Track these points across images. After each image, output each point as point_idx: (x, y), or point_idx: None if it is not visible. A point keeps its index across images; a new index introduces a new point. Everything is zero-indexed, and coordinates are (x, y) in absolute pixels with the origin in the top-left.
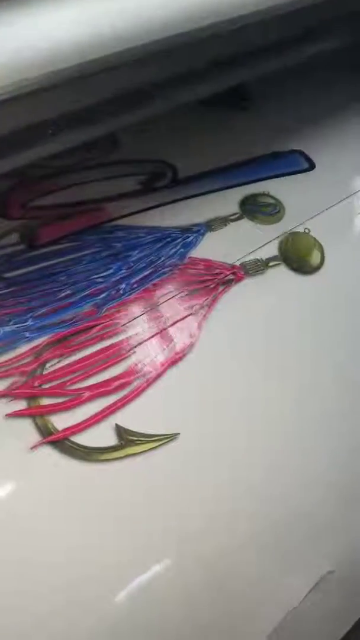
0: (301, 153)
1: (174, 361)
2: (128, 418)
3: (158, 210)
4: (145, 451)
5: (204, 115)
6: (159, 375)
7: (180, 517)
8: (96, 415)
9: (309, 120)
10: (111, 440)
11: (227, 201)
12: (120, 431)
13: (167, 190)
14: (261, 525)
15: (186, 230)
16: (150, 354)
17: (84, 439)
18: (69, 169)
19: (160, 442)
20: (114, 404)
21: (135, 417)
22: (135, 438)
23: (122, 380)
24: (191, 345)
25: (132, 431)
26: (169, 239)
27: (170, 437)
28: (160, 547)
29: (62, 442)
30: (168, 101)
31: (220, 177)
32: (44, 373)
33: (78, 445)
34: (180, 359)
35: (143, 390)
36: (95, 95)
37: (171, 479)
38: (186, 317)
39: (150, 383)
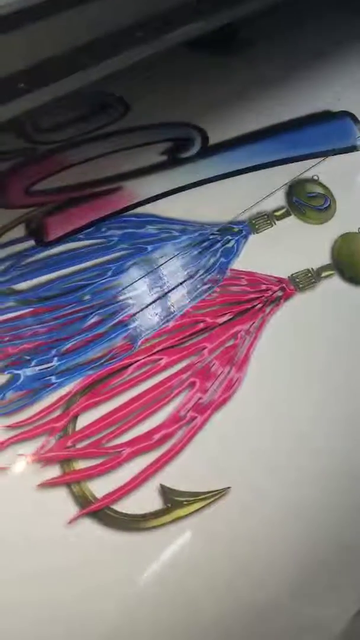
0: (353, 117)
1: (221, 402)
2: (173, 475)
3: (191, 194)
4: (194, 512)
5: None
6: (204, 422)
7: (242, 576)
8: (138, 476)
9: None
10: (156, 503)
11: (272, 188)
12: (165, 492)
13: (196, 163)
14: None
15: (226, 230)
16: (195, 396)
17: (125, 505)
18: (76, 142)
19: (211, 500)
20: (157, 460)
21: (180, 473)
22: (182, 499)
23: (165, 431)
24: (239, 381)
25: (179, 491)
26: (207, 243)
27: (221, 493)
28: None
29: (102, 512)
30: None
31: (260, 146)
32: (76, 429)
33: (120, 513)
34: (228, 398)
35: (188, 441)
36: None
37: (224, 540)
38: (232, 348)
39: (195, 432)
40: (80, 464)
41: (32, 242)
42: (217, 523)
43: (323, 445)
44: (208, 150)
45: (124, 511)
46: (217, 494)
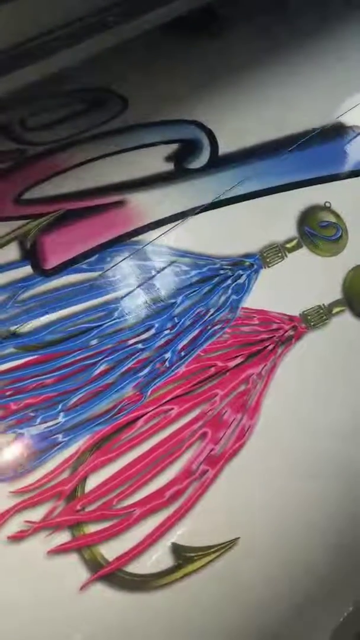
0: None
1: (232, 453)
2: (183, 531)
3: (200, 220)
4: (204, 565)
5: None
6: (216, 475)
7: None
8: (149, 536)
9: None
10: (167, 561)
11: (284, 216)
12: (176, 550)
13: (205, 178)
14: None
15: (237, 264)
16: (207, 448)
17: (136, 565)
18: (70, 143)
19: (220, 552)
20: (169, 519)
21: (191, 528)
22: (193, 554)
23: (176, 488)
24: (250, 429)
25: (190, 547)
26: (218, 279)
27: (231, 544)
28: None
29: (114, 575)
30: None
31: (271, 163)
32: (85, 492)
33: (132, 574)
34: (240, 448)
35: (200, 496)
36: None
37: (234, 589)
38: (244, 393)
39: (207, 486)
40: (91, 528)
41: (29, 268)
42: (226, 573)
43: (331, 496)
44: (217, 163)
45: (135, 572)
46: (227, 546)
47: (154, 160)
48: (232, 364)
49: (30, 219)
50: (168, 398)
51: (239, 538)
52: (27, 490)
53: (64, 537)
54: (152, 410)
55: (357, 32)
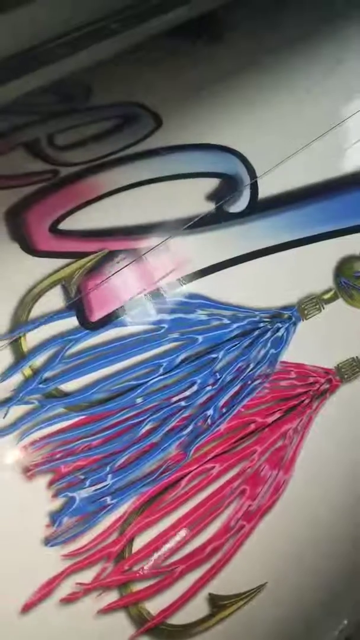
0: None
1: (267, 508)
2: (218, 582)
3: (241, 270)
4: (234, 611)
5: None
6: (252, 529)
7: None
8: (189, 590)
9: None
10: (203, 610)
11: (320, 266)
12: (212, 599)
13: (246, 224)
14: None
15: (276, 317)
16: (244, 505)
17: (177, 616)
18: (102, 165)
19: (249, 598)
20: (207, 573)
21: (226, 579)
22: (226, 602)
23: (215, 544)
24: (285, 484)
25: (223, 596)
26: (257, 332)
27: (259, 589)
28: None
29: (157, 628)
30: None
31: (310, 210)
32: (132, 552)
33: (172, 625)
34: (275, 502)
35: (236, 550)
36: None
37: (262, 631)
38: (280, 449)
39: (243, 540)
40: (138, 586)
41: (74, 320)
42: (254, 619)
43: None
44: (257, 208)
45: (175, 623)
46: (255, 591)
47: (194, 198)
48: (270, 419)
49: (72, 258)
50: (210, 457)
51: (266, 583)
52: (78, 554)
53: (112, 596)
54: (195, 469)
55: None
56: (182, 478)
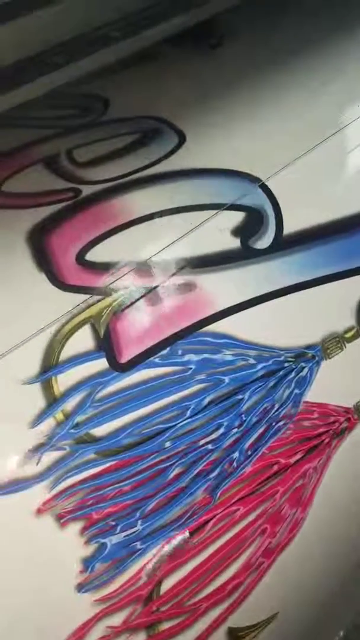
0: None
1: (285, 544)
2: (237, 616)
3: (266, 309)
4: None
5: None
6: (270, 565)
7: None
8: (211, 626)
9: None
10: None
11: (342, 304)
12: (231, 632)
13: (271, 261)
14: None
15: (300, 356)
16: (265, 542)
17: None
18: (125, 185)
19: (263, 628)
20: (228, 609)
21: (242, 612)
22: (242, 633)
23: (237, 581)
24: (302, 520)
25: (240, 628)
26: (282, 372)
27: (271, 619)
28: None
29: None
30: None
31: (333, 247)
32: (160, 593)
33: None
34: (292, 539)
35: (255, 585)
36: None
37: None
38: (300, 487)
39: (262, 576)
40: (164, 625)
41: (104, 361)
42: None
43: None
44: (282, 244)
45: None
46: (268, 621)
47: (220, 232)
48: (292, 460)
49: (100, 294)
50: (234, 499)
51: (277, 613)
52: (109, 598)
53: (140, 637)
54: (220, 512)
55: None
56: (208, 521)
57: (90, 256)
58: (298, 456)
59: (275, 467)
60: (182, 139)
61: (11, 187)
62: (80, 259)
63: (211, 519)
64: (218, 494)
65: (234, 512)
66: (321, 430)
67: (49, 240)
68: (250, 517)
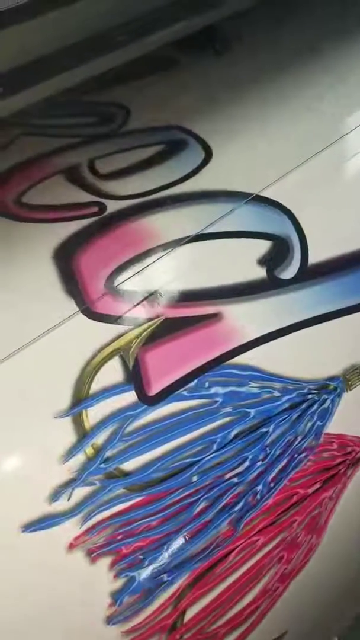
0: None
1: (299, 569)
2: (250, 637)
3: (292, 341)
4: None
5: None
6: (284, 589)
7: None
8: None
9: None
10: None
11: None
12: None
13: (296, 292)
14: None
15: (323, 388)
16: (281, 569)
17: None
18: (151, 202)
19: None
20: (244, 633)
21: (257, 633)
22: None
23: (254, 606)
24: (316, 546)
25: None
26: (306, 404)
27: (280, 637)
28: None
29: None
30: None
31: (354, 278)
32: (184, 622)
33: None
34: (305, 564)
35: (270, 608)
36: None
37: None
38: (316, 516)
39: (276, 600)
40: None
41: (133, 394)
42: None
43: None
44: (307, 274)
45: None
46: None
47: (246, 262)
48: (310, 490)
49: (129, 324)
50: (255, 530)
51: (286, 632)
52: (137, 629)
53: None
54: (242, 543)
55: None
56: (230, 552)
57: (118, 282)
58: (316, 487)
59: (295, 498)
60: (208, 154)
61: (32, 199)
62: (108, 285)
63: (233, 549)
64: (241, 526)
65: (254, 542)
66: (339, 460)
67: (77, 263)
68: (269, 547)
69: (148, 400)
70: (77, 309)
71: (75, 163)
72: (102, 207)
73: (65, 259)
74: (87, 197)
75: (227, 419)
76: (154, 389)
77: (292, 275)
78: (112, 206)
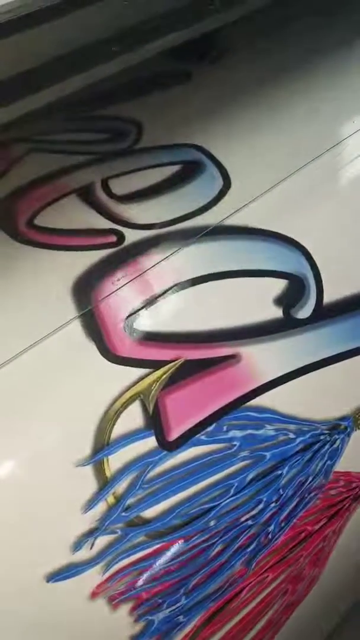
0: None
1: (301, 599)
2: None
3: (306, 382)
4: None
5: None
6: (286, 619)
7: None
8: None
9: None
10: None
11: None
12: None
13: (311, 332)
14: None
15: (334, 428)
16: (286, 601)
17: None
18: (170, 234)
19: None
20: None
21: None
22: None
23: (259, 637)
24: (318, 577)
25: None
26: (317, 445)
27: None
28: None
29: None
30: None
31: None
32: None
33: None
34: (307, 594)
35: (273, 638)
36: None
37: None
38: (320, 550)
39: (279, 629)
40: None
41: (153, 440)
42: None
43: None
44: (322, 314)
45: None
46: None
47: (262, 302)
48: (317, 526)
49: (149, 367)
50: (265, 568)
51: None
52: None
53: None
54: (253, 580)
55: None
56: (242, 590)
57: (139, 325)
58: (322, 522)
59: (303, 535)
60: (226, 181)
61: (45, 221)
62: (128, 327)
63: (245, 587)
64: (253, 565)
65: (264, 579)
66: (344, 496)
67: (96, 300)
68: (277, 581)
69: (168, 446)
70: (98, 352)
71: (88, 182)
72: (120, 237)
73: (85, 296)
74: (102, 222)
75: (244, 463)
76: (174, 434)
77: (307, 315)
78: (130, 235)
